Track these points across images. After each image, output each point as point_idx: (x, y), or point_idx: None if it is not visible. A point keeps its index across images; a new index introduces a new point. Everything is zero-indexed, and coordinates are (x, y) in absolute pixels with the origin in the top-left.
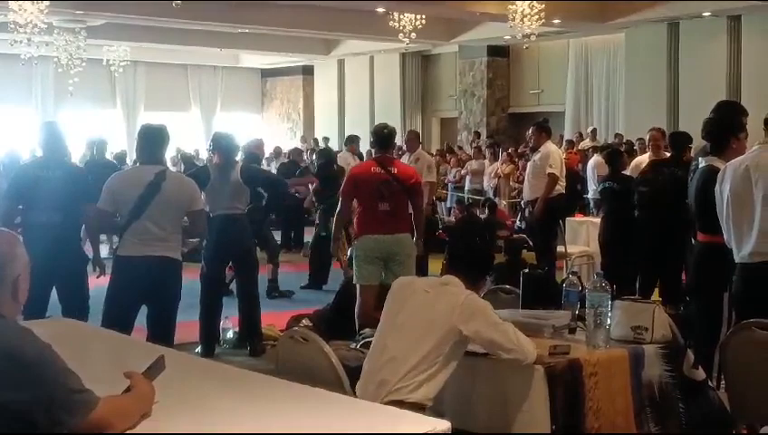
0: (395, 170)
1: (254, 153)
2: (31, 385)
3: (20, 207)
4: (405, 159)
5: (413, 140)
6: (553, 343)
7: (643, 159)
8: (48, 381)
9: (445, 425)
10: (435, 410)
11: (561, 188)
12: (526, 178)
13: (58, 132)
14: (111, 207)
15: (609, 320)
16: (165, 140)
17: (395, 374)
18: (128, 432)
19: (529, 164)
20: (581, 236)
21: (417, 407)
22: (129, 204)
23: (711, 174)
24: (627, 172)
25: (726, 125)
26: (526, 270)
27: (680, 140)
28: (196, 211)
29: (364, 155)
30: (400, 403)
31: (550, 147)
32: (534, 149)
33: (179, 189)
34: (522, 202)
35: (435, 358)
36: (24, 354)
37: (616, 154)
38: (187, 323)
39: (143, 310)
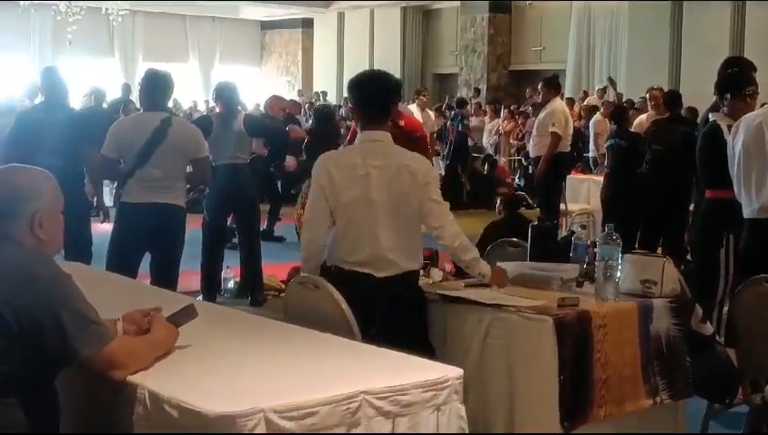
0: (402, 123)
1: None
2: (44, 305)
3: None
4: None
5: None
6: (562, 295)
7: (644, 118)
8: (62, 306)
9: (457, 372)
10: (442, 358)
11: (565, 146)
12: (531, 135)
13: (59, 77)
14: (116, 153)
15: (618, 273)
16: (170, 87)
17: None
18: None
19: (535, 121)
20: (582, 194)
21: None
22: (135, 150)
23: (716, 130)
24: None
25: (735, 81)
26: (533, 224)
27: (674, 98)
28: (202, 158)
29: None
30: None
31: (555, 104)
32: (542, 105)
33: (185, 136)
34: (522, 159)
35: None
36: (40, 276)
37: (622, 111)
38: (189, 273)
39: (146, 257)
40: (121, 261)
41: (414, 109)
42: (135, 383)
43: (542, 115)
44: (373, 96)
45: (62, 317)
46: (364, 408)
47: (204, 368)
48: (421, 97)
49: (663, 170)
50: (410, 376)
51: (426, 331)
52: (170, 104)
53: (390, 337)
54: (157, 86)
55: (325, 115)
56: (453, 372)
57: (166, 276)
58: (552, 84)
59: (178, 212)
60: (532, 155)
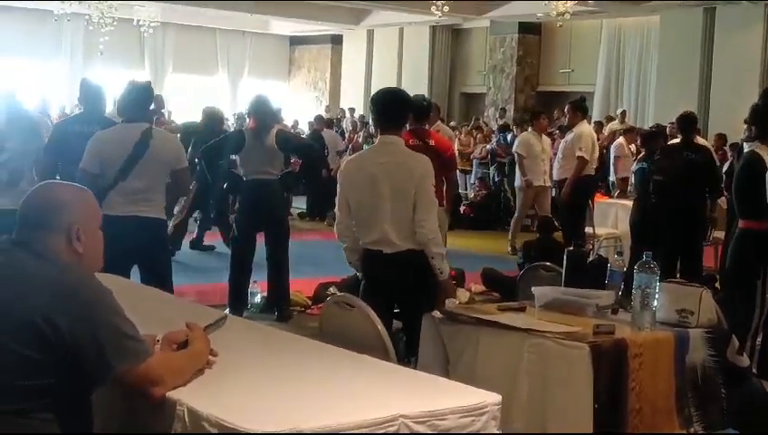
0: (432, 142)
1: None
2: (83, 319)
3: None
4: None
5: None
6: (597, 322)
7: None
8: (101, 321)
9: (495, 398)
10: (477, 381)
11: (590, 169)
12: (557, 157)
13: (98, 89)
14: (97, 168)
15: (655, 302)
16: (150, 98)
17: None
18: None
19: (561, 143)
20: (610, 218)
21: None
22: (116, 165)
23: (754, 160)
24: None
25: None
26: (569, 249)
27: (688, 123)
28: (181, 169)
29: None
30: None
31: (583, 127)
32: (569, 128)
33: (166, 148)
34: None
35: None
36: (80, 291)
37: (653, 136)
38: (214, 286)
39: None
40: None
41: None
42: (174, 400)
43: (568, 138)
44: (387, 109)
45: (100, 332)
46: (402, 431)
47: (242, 385)
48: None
49: (665, 200)
50: (448, 401)
51: (429, 291)
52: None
53: (401, 300)
54: (137, 97)
55: (212, 115)
56: (491, 398)
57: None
58: (579, 107)
59: (160, 224)
60: (556, 177)
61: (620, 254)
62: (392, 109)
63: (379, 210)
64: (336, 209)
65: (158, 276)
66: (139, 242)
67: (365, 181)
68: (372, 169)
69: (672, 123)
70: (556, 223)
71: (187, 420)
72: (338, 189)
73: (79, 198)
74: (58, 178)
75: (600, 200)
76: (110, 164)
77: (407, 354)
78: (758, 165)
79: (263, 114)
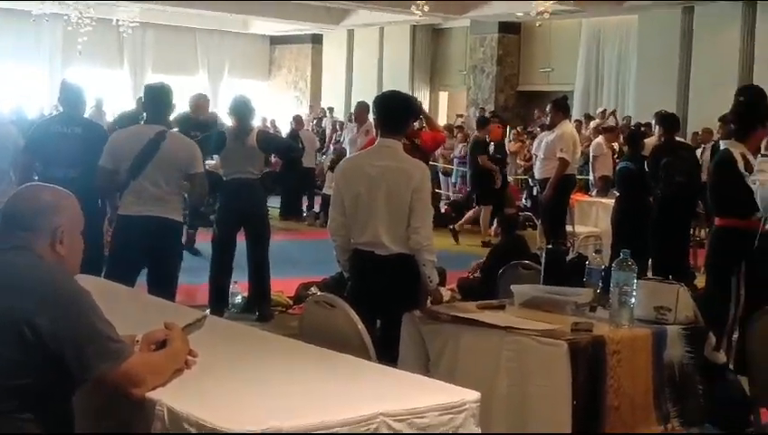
0: (418, 141)
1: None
2: (63, 320)
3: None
4: (353, 130)
5: (362, 111)
6: (575, 319)
7: (652, 141)
8: (81, 322)
9: (474, 395)
10: (457, 379)
11: (572, 169)
12: (538, 156)
13: (78, 89)
14: (111, 164)
15: (633, 299)
16: (167, 100)
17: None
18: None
19: (543, 142)
20: (591, 217)
21: None
22: (128, 162)
23: (727, 158)
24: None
25: (754, 111)
26: (548, 247)
27: (675, 122)
28: (196, 174)
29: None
30: None
31: (564, 127)
32: (551, 127)
33: (179, 150)
34: (529, 180)
35: None
36: (60, 292)
37: (637, 135)
38: (194, 286)
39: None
40: (118, 273)
41: None
42: (153, 400)
43: (550, 138)
44: (389, 112)
45: (80, 333)
46: (382, 430)
47: (222, 385)
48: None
49: (684, 201)
50: (428, 399)
51: (415, 298)
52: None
53: (385, 303)
54: (154, 99)
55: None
56: (470, 396)
57: (163, 291)
58: (561, 106)
59: (174, 226)
60: (538, 177)
61: (599, 252)
62: (395, 113)
63: (374, 212)
64: (330, 208)
65: (165, 277)
66: (148, 241)
67: (361, 182)
68: (369, 170)
69: (650, 123)
70: (535, 220)
71: (166, 419)
72: (334, 188)
73: (64, 202)
74: (36, 178)
75: (580, 199)
76: (123, 162)
77: (384, 356)
78: (731, 163)
79: (243, 115)
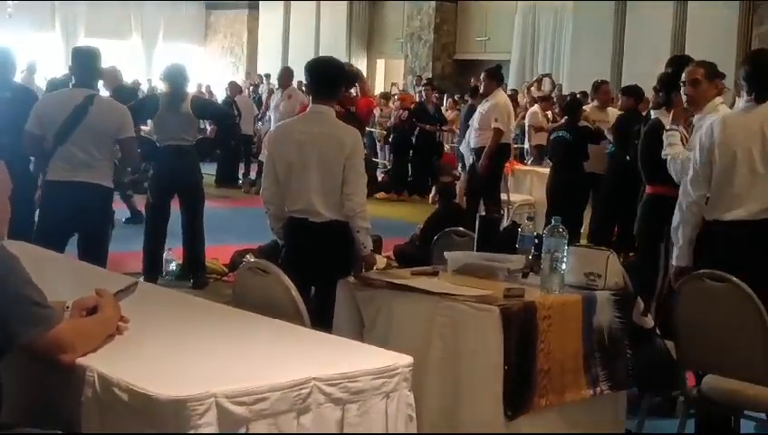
0: (353, 108)
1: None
2: None
3: None
4: (277, 96)
5: (286, 76)
6: (508, 285)
7: (587, 110)
8: (8, 289)
9: (407, 360)
10: (391, 345)
11: (507, 138)
12: (471, 125)
13: (6, 52)
14: (38, 129)
15: (564, 265)
16: (95, 63)
17: None
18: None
19: (477, 112)
20: (525, 185)
21: None
22: (55, 127)
23: (656, 127)
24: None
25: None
26: (481, 215)
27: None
28: (125, 139)
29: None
30: None
31: (498, 96)
32: (484, 96)
33: (107, 115)
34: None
35: None
36: None
37: (575, 104)
38: (128, 254)
39: None
40: (47, 240)
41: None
42: (84, 366)
43: (484, 107)
44: (321, 78)
45: (6, 299)
46: (315, 394)
47: (154, 351)
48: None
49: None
50: (360, 363)
51: (349, 265)
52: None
53: (320, 270)
54: (82, 62)
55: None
56: (402, 360)
57: (93, 258)
58: (495, 76)
59: (103, 192)
60: (473, 145)
61: (531, 219)
62: (326, 78)
63: (306, 179)
64: (263, 176)
65: (95, 244)
66: (77, 207)
67: (292, 149)
68: (300, 137)
69: (583, 91)
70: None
71: (97, 385)
72: (266, 156)
73: None
74: None
75: (515, 167)
76: (50, 127)
77: (319, 322)
78: (659, 131)
79: (177, 81)
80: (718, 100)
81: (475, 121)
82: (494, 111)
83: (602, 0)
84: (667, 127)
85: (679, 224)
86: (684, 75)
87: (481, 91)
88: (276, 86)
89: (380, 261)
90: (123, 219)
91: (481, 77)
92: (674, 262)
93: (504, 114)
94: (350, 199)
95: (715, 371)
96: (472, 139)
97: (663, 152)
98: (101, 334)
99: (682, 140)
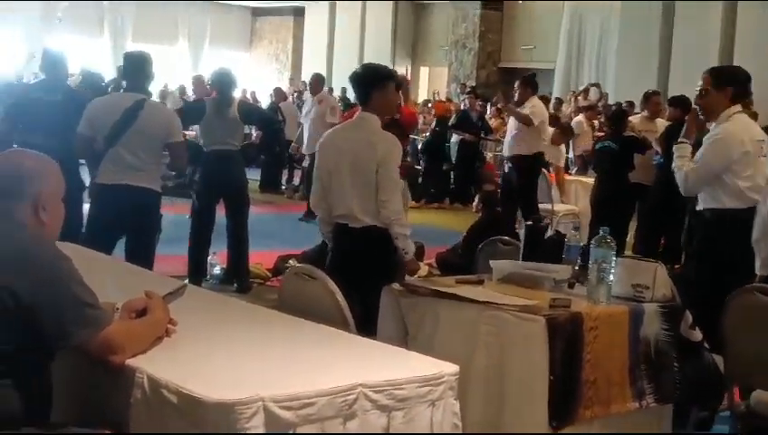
0: (397, 116)
1: None
2: (42, 287)
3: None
4: (308, 101)
5: (317, 82)
6: (553, 295)
7: (635, 121)
8: (60, 289)
9: (453, 368)
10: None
11: (543, 144)
12: (508, 132)
13: (60, 56)
14: (89, 131)
15: (611, 276)
16: (146, 68)
17: None
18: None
19: (512, 120)
20: (570, 195)
21: None
22: (105, 130)
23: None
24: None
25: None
26: (528, 223)
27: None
28: (174, 143)
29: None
30: None
31: (534, 101)
32: (519, 104)
33: (156, 119)
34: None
35: None
36: (40, 259)
37: (621, 115)
38: (173, 257)
39: None
40: (95, 243)
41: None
42: (133, 367)
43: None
44: (355, 85)
45: (59, 300)
46: (361, 401)
47: (202, 354)
48: None
49: None
50: (406, 371)
51: (391, 270)
52: (161, 87)
53: (362, 276)
54: (133, 67)
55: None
56: (449, 368)
57: (140, 261)
58: (530, 83)
59: (151, 196)
60: (507, 154)
61: (577, 229)
62: (359, 85)
63: (343, 184)
64: (313, 180)
65: (143, 247)
66: (125, 210)
67: (333, 155)
68: (340, 142)
69: (629, 101)
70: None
71: (146, 387)
72: (316, 161)
73: (46, 169)
74: (15, 146)
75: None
76: (99, 129)
77: (363, 328)
78: None
79: (225, 87)
80: (733, 109)
81: (510, 129)
82: (531, 114)
83: (649, 1)
84: (679, 139)
85: (762, 235)
86: None
87: (515, 99)
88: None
89: (422, 269)
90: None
91: (515, 85)
92: (758, 271)
93: (539, 117)
94: (384, 207)
95: (763, 386)
96: (506, 147)
97: (672, 165)
98: (151, 336)
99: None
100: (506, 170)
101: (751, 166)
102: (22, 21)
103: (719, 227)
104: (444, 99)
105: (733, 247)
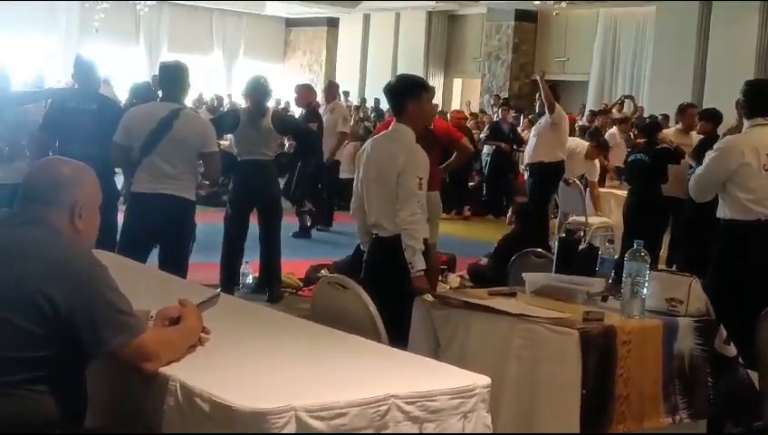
0: (431, 126)
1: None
2: (78, 293)
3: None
4: (321, 110)
5: (330, 90)
6: (587, 308)
7: (670, 133)
8: (96, 297)
9: (485, 380)
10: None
11: (561, 154)
12: (529, 142)
13: (91, 64)
14: (125, 140)
15: (645, 290)
16: (182, 78)
17: None
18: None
19: (533, 128)
20: (604, 208)
21: None
22: (141, 139)
23: None
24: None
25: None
26: (561, 236)
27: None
28: (209, 153)
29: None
30: None
31: (557, 108)
32: (541, 114)
33: (191, 129)
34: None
35: None
36: (76, 266)
37: (654, 127)
38: (206, 265)
39: None
40: (129, 251)
41: None
42: (167, 375)
43: (541, 121)
44: (388, 96)
45: (95, 307)
46: (393, 412)
47: (235, 363)
48: None
49: None
50: (438, 382)
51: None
52: (195, 96)
53: (392, 285)
54: (168, 77)
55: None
56: (481, 381)
57: (174, 269)
58: (552, 89)
59: (185, 204)
60: (527, 161)
61: (611, 242)
62: (391, 96)
63: (371, 194)
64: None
65: (176, 256)
66: (160, 219)
67: (364, 164)
68: (372, 153)
69: (664, 114)
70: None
71: (179, 395)
72: (356, 170)
73: (83, 177)
74: (51, 154)
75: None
76: (135, 138)
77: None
78: None
79: (260, 96)
80: (756, 121)
81: (532, 138)
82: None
83: (684, 14)
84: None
85: None
86: None
87: (536, 108)
88: (357, 104)
89: (454, 280)
90: (290, 233)
91: (537, 96)
92: None
93: (561, 118)
94: (397, 215)
95: None
96: (526, 155)
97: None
98: (184, 345)
99: None
100: (526, 177)
101: (755, 178)
102: (62, 33)
103: (728, 238)
104: (475, 111)
105: (742, 258)
